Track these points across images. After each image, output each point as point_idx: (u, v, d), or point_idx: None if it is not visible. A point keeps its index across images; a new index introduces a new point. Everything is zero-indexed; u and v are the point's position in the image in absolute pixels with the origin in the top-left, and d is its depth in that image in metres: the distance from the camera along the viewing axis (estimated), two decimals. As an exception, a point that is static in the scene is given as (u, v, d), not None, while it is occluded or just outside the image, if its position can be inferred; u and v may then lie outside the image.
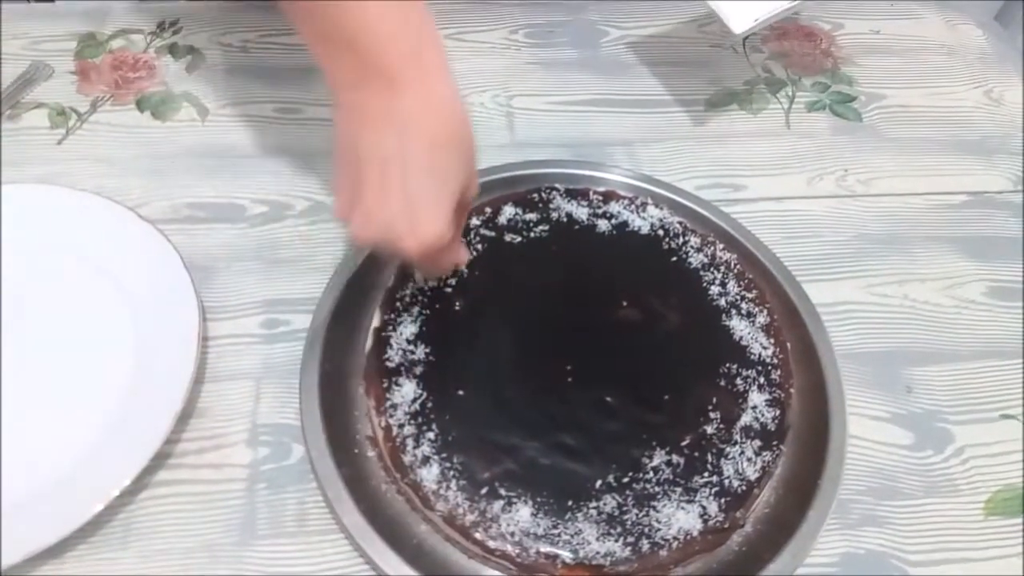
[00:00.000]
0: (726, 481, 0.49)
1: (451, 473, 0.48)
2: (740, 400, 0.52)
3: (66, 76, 0.70)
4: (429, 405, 0.50)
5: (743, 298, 0.57)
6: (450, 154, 0.46)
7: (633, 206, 0.62)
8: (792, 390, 0.54)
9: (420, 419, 0.50)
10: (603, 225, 0.60)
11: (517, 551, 0.46)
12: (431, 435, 0.49)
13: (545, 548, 0.46)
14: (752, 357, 0.55)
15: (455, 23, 0.77)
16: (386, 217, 0.45)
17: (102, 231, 0.57)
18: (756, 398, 0.53)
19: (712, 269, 0.59)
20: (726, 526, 0.48)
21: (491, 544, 0.46)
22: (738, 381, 0.53)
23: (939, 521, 0.52)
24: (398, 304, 0.54)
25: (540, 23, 0.79)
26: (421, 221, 0.45)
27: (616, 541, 0.46)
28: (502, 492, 0.47)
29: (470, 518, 0.47)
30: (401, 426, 0.49)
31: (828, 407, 0.54)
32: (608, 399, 0.52)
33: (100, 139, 0.65)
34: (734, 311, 0.57)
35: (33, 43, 0.71)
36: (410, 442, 0.49)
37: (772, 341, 0.55)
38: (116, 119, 0.67)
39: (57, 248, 0.57)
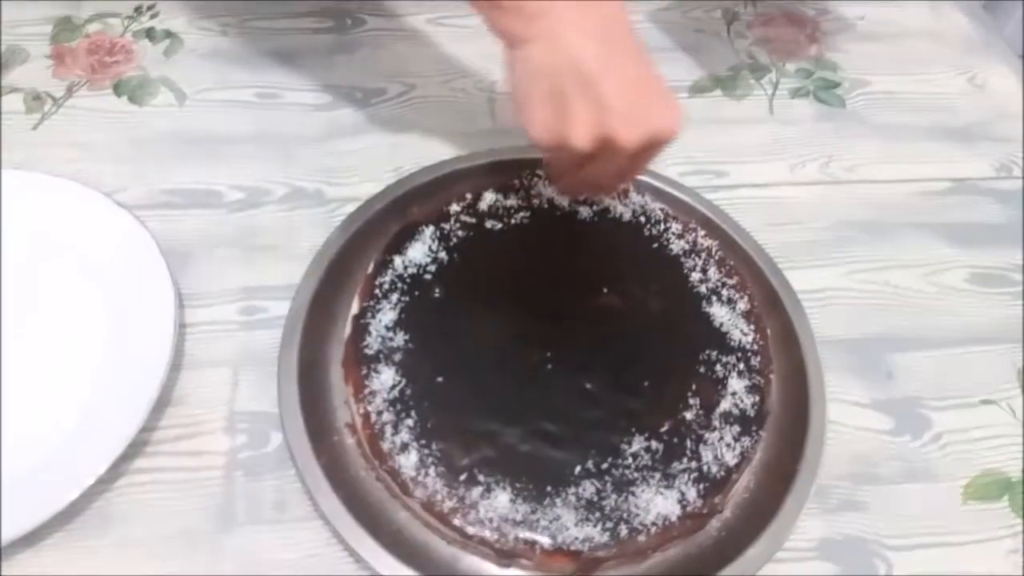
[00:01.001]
0: (705, 467, 0.49)
1: (430, 460, 0.48)
2: (720, 386, 0.52)
3: (42, 60, 0.69)
4: (408, 392, 0.50)
5: (724, 284, 0.57)
6: (643, 49, 0.49)
7: (615, 192, 0.61)
8: (772, 376, 0.54)
9: (399, 406, 0.49)
10: (584, 211, 0.60)
11: (496, 537, 0.46)
12: (410, 422, 0.49)
13: (524, 534, 0.46)
14: (732, 343, 0.54)
15: (435, 8, 0.76)
16: (645, 112, 0.47)
17: (77, 217, 0.57)
18: (736, 384, 0.52)
19: (693, 255, 0.58)
20: (704, 511, 0.48)
21: (470, 530, 0.46)
22: (718, 367, 0.53)
23: (918, 506, 0.52)
24: (377, 291, 0.54)
25: (523, 8, 0.78)
26: (668, 101, 0.49)
27: (595, 526, 0.46)
28: (481, 478, 0.47)
29: (449, 504, 0.46)
30: (380, 413, 0.49)
31: (808, 393, 0.54)
32: (588, 385, 0.51)
33: (76, 124, 0.65)
34: (715, 297, 0.56)
35: (7, 27, 0.70)
36: (389, 429, 0.49)
37: (752, 327, 0.55)
38: (93, 104, 0.66)
39: (31, 234, 0.56)
